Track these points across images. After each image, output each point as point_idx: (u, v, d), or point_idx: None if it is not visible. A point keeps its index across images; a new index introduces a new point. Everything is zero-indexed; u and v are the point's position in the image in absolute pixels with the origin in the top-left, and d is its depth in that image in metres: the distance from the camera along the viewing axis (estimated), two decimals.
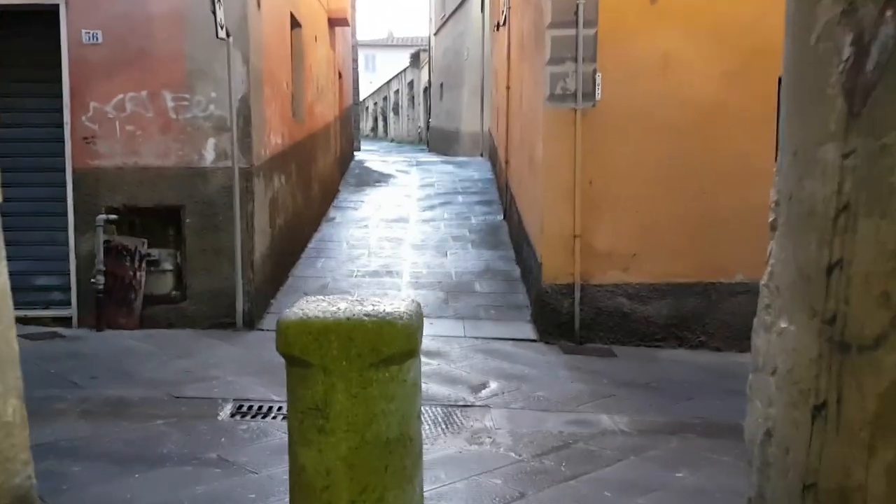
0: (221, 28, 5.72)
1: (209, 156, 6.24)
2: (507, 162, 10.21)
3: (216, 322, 6.30)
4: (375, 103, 41.78)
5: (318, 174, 10.31)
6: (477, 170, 14.63)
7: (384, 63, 47.92)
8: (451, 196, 12.14)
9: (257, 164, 6.43)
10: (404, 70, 33.53)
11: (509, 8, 10.04)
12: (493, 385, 5.08)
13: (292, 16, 8.18)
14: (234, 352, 5.72)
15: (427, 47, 27.93)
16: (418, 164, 15.89)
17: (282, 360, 2.33)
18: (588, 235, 6.36)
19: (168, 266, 6.35)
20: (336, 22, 11.74)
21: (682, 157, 6.33)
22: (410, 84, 32.27)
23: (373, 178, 13.82)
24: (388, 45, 51.12)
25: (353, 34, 17.93)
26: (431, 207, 11.35)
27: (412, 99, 32.00)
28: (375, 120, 41.85)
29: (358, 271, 8.10)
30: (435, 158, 17.90)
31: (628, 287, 6.41)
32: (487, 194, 12.18)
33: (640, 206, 6.36)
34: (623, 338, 6.43)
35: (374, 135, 41.36)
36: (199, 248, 6.28)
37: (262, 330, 6.32)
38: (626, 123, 6.29)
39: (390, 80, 37.12)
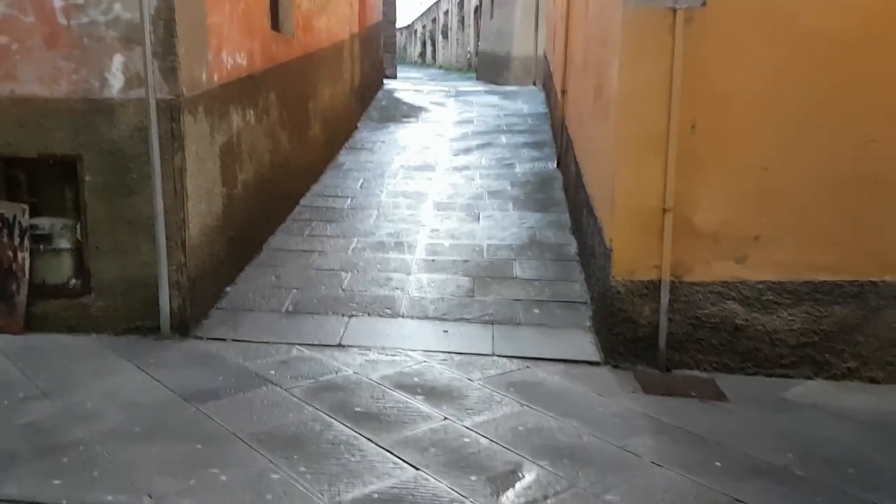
0: None
1: (116, 82, 4.17)
2: (563, 92, 7.90)
3: (133, 325, 4.37)
4: (424, 26, 39.02)
5: (322, 108, 8.17)
6: (527, 101, 12.27)
7: None
8: (492, 136, 9.89)
9: (192, 93, 4.35)
10: None
11: None
12: (529, 475, 3.01)
13: None
14: (141, 385, 3.76)
15: None
16: (458, 94, 13.57)
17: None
18: (685, 208, 4.14)
19: (64, 243, 4.40)
20: None
21: (840, 88, 4.00)
22: (461, 4, 29.50)
23: (400, 113, 11.60)
24: None
25: None
26: (467, 151, 9.14)
27: (462, 20, 29.31)
28: (424, 45, 39.19)
29: (359, 242, 6.04)
30: (479, 87, 15.52)
31: (744, 287, 4.21)
32: (538, 133, 9.88)
33: (768, 164, 4.09)
34: (732, 362, 4.27)
35: (422, 61, 38.78)
36: (105, 217, 4.30)
37: (202, 338, 4.36)
38: (752, 33, 3.97)
39: (439, 0, 34.28)
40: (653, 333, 4.25)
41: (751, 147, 4.08)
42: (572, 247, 5.85)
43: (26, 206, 4.30)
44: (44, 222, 4.36)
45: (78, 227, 4.35)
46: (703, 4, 3.93)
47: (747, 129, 4.07)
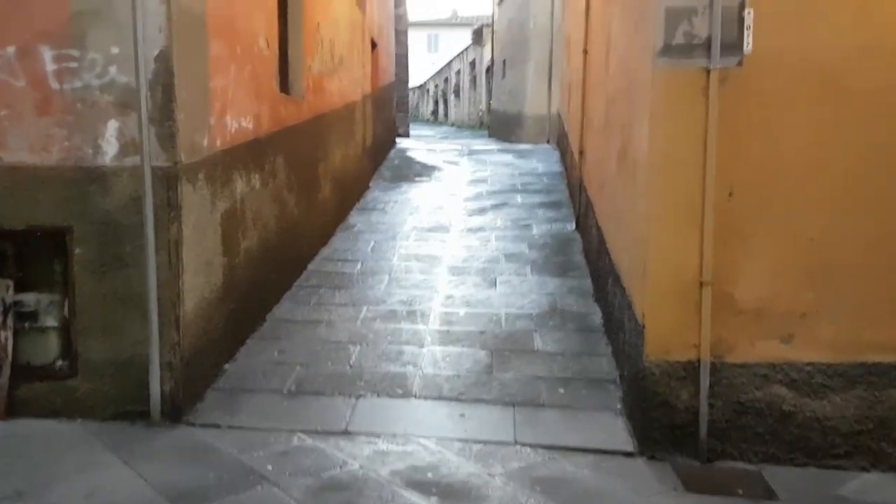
0: None
1: (110, 149, 3.91)
2: (581, 152, 7.63)
3: (122, 410, 4.01)
4: (436, 85, 39.50)
5: (332, 169, 7.94)
6: (542, 160, 12.05)
7: (448, 43, 45.55)
8: (507, 195, 9.62)
9: (191, 160, 4.08)
10: (466, 49, 31.14)
11: None
12: None
13: None
14: (124, 483, 3.38)
15: (490, 22, 25.37)
16: (471, 153, 13.40)
17: None
18: (725, 281, 3.78)
19: (51, 321, 4.08)
20: None
21: (891, 150, 3.68)
22: (472, 64, 29.85)
23: (413, 172, 11.39)
24: (452, 23, 48.71)
25: (401, 1, 15.55)
26: (481, 211, 8.85)
27: (474, 80, 29.58)
28: (436, 103, 39.60)
29: (369, 310, 5.69)
30: (492, 146, 15.36)
31: (791, 369, 3.81)
32: (554, 193, 9.61)
33: (815, 233, 3.74)
34: (780, 452, 3.84)
35: (434, 118, 39.12)
36: (96, 293, 3.98)
37: (195, 425, 3.99)
38: (795, 92, 3.66)
39: (451, 61, 34.80)
40: (692, 420, 3.84)
41: (795, 215, 3.74)
42: (596, 316, 5.48)
43: (11, 282, 4.00)
44: (30, 298, 4.05)
45: (66, 303, 4.04)
46: (740, 64, 3.65)
47: (791, 197, 3.73)
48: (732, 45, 3.65)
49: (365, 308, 5.73)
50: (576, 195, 8.20)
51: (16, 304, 4.01)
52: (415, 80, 35.74)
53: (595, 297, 5.82)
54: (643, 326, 3.89)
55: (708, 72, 3.65)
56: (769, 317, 3.80)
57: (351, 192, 9.05)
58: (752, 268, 3.79)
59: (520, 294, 6.01)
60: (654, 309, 3.85)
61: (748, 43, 3.64)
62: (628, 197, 4.39)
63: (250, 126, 5.09)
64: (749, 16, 3.62)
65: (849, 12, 3.58)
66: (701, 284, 3.77)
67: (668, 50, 3.69)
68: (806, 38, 3.61)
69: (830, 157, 3.68)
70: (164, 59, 3.84)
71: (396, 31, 15.45)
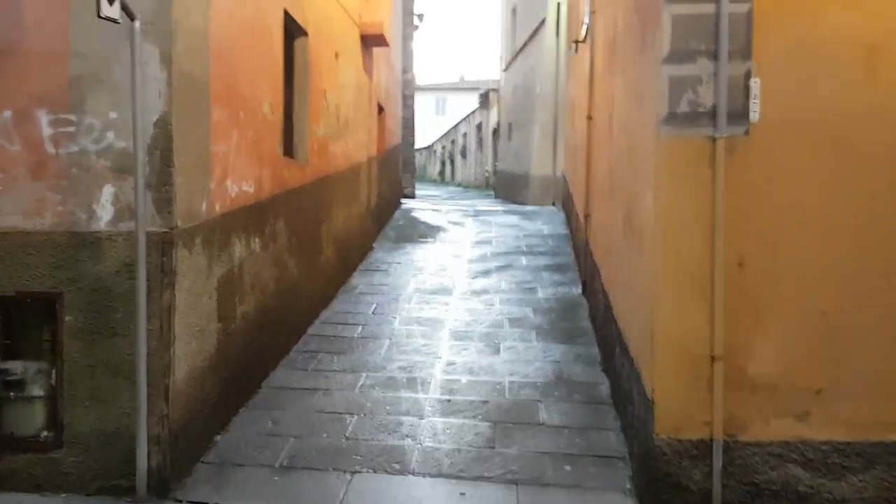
0: (110, 0, 3.35)
1: (104, 214, 3.84)
2: (586, 216, 7.55)
3: (107, 485, 3.84)
4: (444, 147, 39.97)
5: (335, 231, 7.87)
6: (547, 222, 12.00)
7: (455, 106, 46.28)
8: (512, 257, 9.52)
9: (188, 225, 4.00)
10: (473, 112, 31.59)
11: (592, 12, 7.50)
12: None
13: (289, 16, 5.85)
14: None
15: (497, 87, 25.82)
16: (476, 213, 13.36)
17: None
18: (737, 355, 3.63)
19: (37, 390, 3.94)
20: (372, 40, 9.45)
21: None
22: (479, 126, 30.24)
23: (418, 233, 11.33)
24: (459, 87, 49.57)
25: (409, 66, 15.80)
26: (485, 273, 8.74)
27: (480, 142, 29.93)
28: (443, 164, 40.00)
29: (368, 377, 5.53)
30: (498, 207, 15.36)
31: (807, 448, 3.63)
32: (560, 255, 9.51)
33: (828, 306, 3.60)
34: None
35: (441, 178, 39.44)
36: (84, 362, 3.86)
37: (181, 502, 3.80)
38: (802, 163, 3.58)
39: (458, 123, 35.29)
40: (705, 500, 3.64)
41: (807, 287, 3.61)
42: (604, 386, 5.30)
43: None
44: (17, 366, 3.92)
45: (53, 372, 3.91)
46: (747, 133, 3.58)
47: (801, 268, 3.61)
48: (739, 114, 3.59)
49: (364, 375, 5.57)
50: (582, 258, 8.09)
51: (2, 372, 3.88)
52: (422, 141, 36.23)
53: (602, 365, 5.65)
54: (652, 401, 3.72)
55: (714, 140, 3.58)
56: (783, 393, 3.64)
57: (354, 253, 8.98)
58: (765, 342, 3.65)
59: (524, 361, 5.84)
60: (663, 383, 3.70)
61: (755, 111, 3.58)
62: (635, 265, 4.27)
63: (251, 190, 5.04)
64: (755, 85, 3.57)
65: (852, 78, 3.52)
66: (712, 359, 3.63)
67: (672, 118, 3.63)
68: (813, 104, 3.55)
69: (840, 227, 3.58)
70: (163, 125, 3.80)
71: (404, 94, 15.65)
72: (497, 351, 6.10)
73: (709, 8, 3.58)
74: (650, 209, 3.82)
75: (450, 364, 5.81)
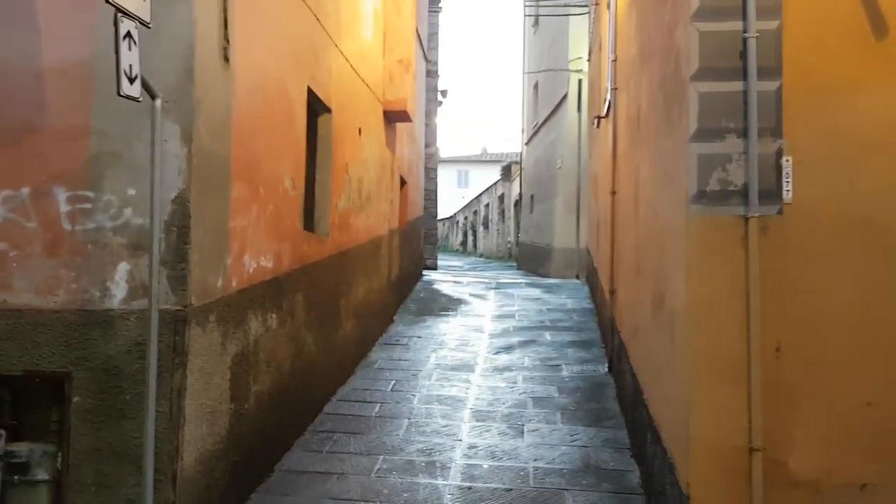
0: (130, 79, 3.36)
1: (118, 292, 3.76)
2: (612, 291, 7.38)
3: None
4: (466, 217, 40.24)
5: (355, 304, 7.76)
6: (571, 296, 11.81)
7: (477, 178, 46.81)
8: (535, 332, 9.32)
9: (202, 302, 3.91)
10: (495, 183, 31.90)
11: (615, 89, 7.52)
12: None
13: (312, 93, 5.90)
14: None
15: (519, 160, 26.08)
16: (498, 286, 13.23)
17: None
18: (777, 448, 3.40)
19: (42, 474, 3.78)
20: (395, 116, 9.55)
21: None
22: (501, 198, 30.47)
23: (439, 306, 11.19)
24: (482, 160, 50.24)
25: (432, 140, 15.98)
26: (508, 349, 8.54)
27: (502, 213, 30.07)
28: (465, 234, 40.18)
29: (385, 461, 5.30)
30: (520, 279, 15.21)
31: None
32: (585, 331, 9.29)
33: (872, 396, 3.38)
34: None
35: (463, 249, 39.55)
36: (90, 445, 3.71)
37: None
38: (841, 242, 3.42)
39: (480, 195, 35.61)
40: None
41: (849, 375, 3.40)
42: (634, 475, 5.02)
43: (3, 432, 3.74)
44: (22, 449, 3.78)
45: (59, 455, 3.76)
46: (780, 213, 3.44)
47: (844, 354, 3.40)
48: (771, 193, 3.46)
49: (381, 458, 5.35)
50: (608, 335, 7.87)
51: (7, 454, 3.74)
52: (444, 212, 36.48)
53: (632, 451, 5.38)
54: (688, 497, 3.48)
55: (746, 220, 3.44)
56: (826, 489, 3.38)
57: (373, 327, 8.83)
58: (806, 433, 3.41)
59: (549, 445, 5.59)
60: (699, 477, 3.45)
61: (787, 190, 3.45)
62: (666, 349, 4.08)
63: (270, 265, 4.96)
64: (787, 164, 3.45)
65: (889, 156, 3.39)
66: (750, 451, 3.39)
67: (702, 196, 3.51)
68: (847, 185, 3.41)
69: (881, 312, 3.38)
70: (181, 202, 3.75)
71: (427, 167, 15.78)
72: (521, 433, 5.85)
73: (736, 86, 3.50)
74: (681, 290, 3.66)
75: (471, 447, 5.57)
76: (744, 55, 3.48)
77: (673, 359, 3.88)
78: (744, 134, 3.48)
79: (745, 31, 3.44)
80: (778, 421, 3.41)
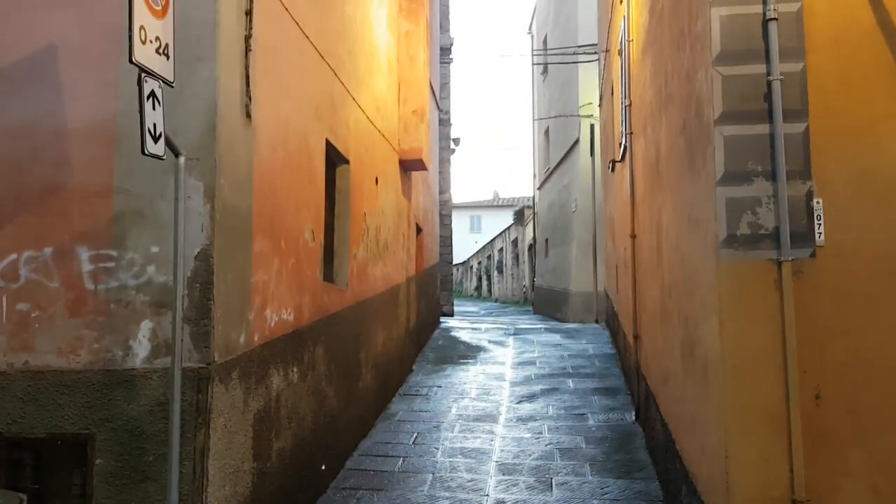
0: (154, 138, 3.37)
1: (141, 350, 3.72)
2: (636, 337, 7.26)
3: None
4: (480, 262, 40.21)
5: (375, 355, 7.68)
6: (592, 341, 11.67)
7: (490, 223, 46.95)
8: (558, 380, 9.17)
9: (225, 358, 3.86)
10: (508, 228, 31.93)
11: (630, 133, 7.52)
12: None
13: (330, 145, 5.93)
14: None
15: (531, 204, 26.16)
16: (517, 332, 13.10)
17: None
18: (821, 499, 3.27)
19: None
20: (411, 165, 9.61)
21: None
22: (514, 242, 30.47)
23: (457, 353, 11.07)
24: (494, 205, 50.44)
25: (446, 187, 16.06)
26: (531, 397, 8.39)
27: (516, 257, 30.04)
28: (479, 279, 40.10)
29: None
30: (539, 325, 15.06)
31: None
32: (608, 378, 9.13)
33: None
34: None
35: (477, 294, 39.42)
36: None
37: None
38: (877, 285, 3.34)
39: (494, 239, 35.62)
40: None
41: (892, 423, 3.27)
42: None
43: (24, 496, 3.66)
44: None
45: None
46: (813, 255, 3.37)
47: (885, 400, 3.29)
48: (803, 236, 3.39)
49: None
50: (633, 382, 7.72)
51: None
52: (458, 257, 36.49)
53: None
54: None
55: (779, 264, 3.37)
56: None
57: (393, 377, 8.72)
58: (850, 483, 3.29)
59: (580, 500, 5.42)
60: None
61: (820, 233, 3.39)
62: (699, 397, 3.97)
63: (291, 318, 4.92)
64: (818, 206, 3.39)
65: None
66: (793, 503, 3.26)
67: (732, 241, 3.45)
68: (880, 226, 3.34)
69: None
70: (204, 258, 3.73)
71: (441, 214, 15.82)
72: (549, 487, 5.69)
73: (762, 129, 3.47)
74: (714, 336, 3.56)
75: (498, 503, 5.41)
76: (768, 98, 3.46)
77: (708, 408, 3.76)
78: (772, 177, 3.44)
79: (768, 73, 3.42)
80: (821, 471, 3.28)
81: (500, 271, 33.70)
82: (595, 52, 14.79)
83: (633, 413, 7.34)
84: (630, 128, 7.52)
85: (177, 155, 3.60)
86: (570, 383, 8.95)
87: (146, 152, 3.30)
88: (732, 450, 3.37)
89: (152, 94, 3.32)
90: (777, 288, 3.37)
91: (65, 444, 3.71)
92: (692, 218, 4.11)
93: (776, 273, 3.38)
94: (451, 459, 6.40)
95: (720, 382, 3.47)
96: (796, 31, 3.44)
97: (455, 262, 33.43)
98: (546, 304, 20.11)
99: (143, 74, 3.24)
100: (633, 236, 7.27)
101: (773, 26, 3.43)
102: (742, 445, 3.35)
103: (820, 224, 3.40)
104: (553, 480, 5.81)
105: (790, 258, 3.36)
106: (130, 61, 3.16)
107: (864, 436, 3.30)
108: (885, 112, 3.38)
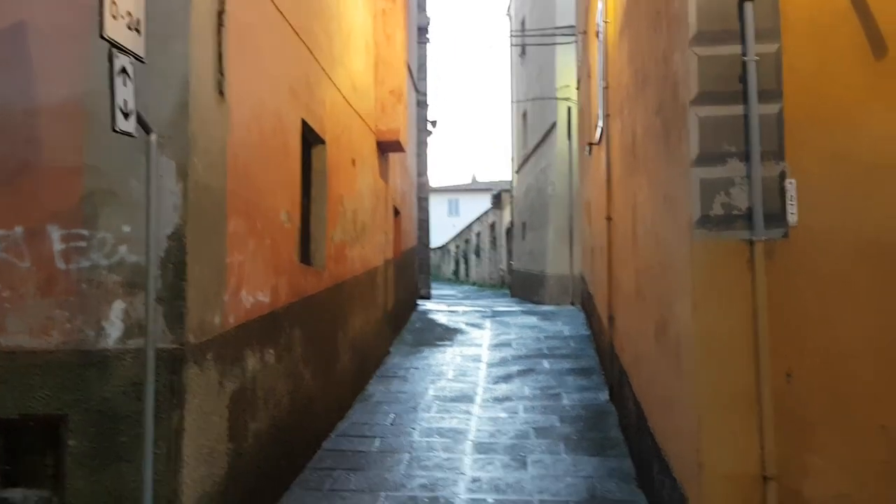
0: (125, 115, 3.31)
1: (114, 331, 3.68)
2: (610, 318, 7.33)
3: None
4: (457, 246, 40.26)
5: (352, 337, 7.67)
6: (567, 323, 11.76)
7: (468, 207, 46.97)
8: (533, 361, 9.23)
9: (200, 340, 3.83)
10: (486, 212, 31.97)
11: (607, 116, 7.54)
12: None
13: (306, 125, 5.88)
14: None
15: (508, 188, 26.19)
16: (494, 314, 13.15)
17: None
18: (791, 476, 3.33)
19: None
20: (388, 146, 9.55)
21: None
22: (492, 226, 30.51)
23: (435, 336, 11.10)
24: (472, 189, 50.42)
25: (423, 169, 16.01)
26: (507, 378, 8.44)
27: (494, 241, 30.09)
28: (457, 263, 40.18)
29: (387, 498, 5.18)
30: (515, 307, 15.14)
31: None
32: (583, 358, 9.21)
33: (889, 418, 3.33)
34: None
35: (455, 278, 39.51)
36: (87, 489, 3.60)
37: None
38: (849, 265, 3.39)
39: (472, 223, 35.67)
40: None
41: (863, 399, 3.35)
42: None
43: None
44: (17, 495, 3.66)
45: (55, 500, 3.64)
46: (786, 236, 3.41)
47: (856, 377, 3.36)
48: (776, 217, 3.43)
49: (382, 495, 5.22)
50: (607, 362, 7.80)
51: (1, 501, 3.63)
52: (436, 241, 36.48)
53: (638, 482, 5.28)
54: None
55: (752, 244, 3.41)
56: None
57: (370, 359, 8.73)
58: (821, 460, 3.35)
59: (554, 477, 5.48)
60: None
61: (793, 214, 3.43)
62: (672, 377, 4.02)
63: (267, 300, 4.89)
64: (791, 186, 3.43)
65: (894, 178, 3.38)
66: (764, 479, 3.33)
67: (705, 221, 3.48)
68: (853, 207, 3.39)
69: (892, 335, 3.34)
70: (177, 238, 3.69)
71: (419, 197, 15.79)
72: (524, 465, 5.75)
73: (737, 110, 3.49)
74: (687, 316, 3.61)
75: (474, 481, 5.46)
76: (744, 79, 3.48)
77: (680, 386, 3.81)
78: (746, 158, 3.47)
79: (744, 54, 3.44)
80: (791, 448, 3.35)
81: (478, 255, 33.79)
82: (573, 34, 14.77)
83: (607, 392, 7.42)
84: (607, 110, 7.54)
85: (148, 132, 3.54)
86: (546, 364, 9.02)
87: (116, 129, 3.24)
88: (704, 427, 3.42)
89: (123, 70, 3.25)
90: (750, 267, 3.41)
91: (37, 425, 3.67)
92: (667, 199, 4.14)
93: (749, 253, 3.42)
94: (427, 439, 6.43)
95: (692, 361, 3.51)
96: (772, 12, 3.46)
97: (433, 245, 33.47)
98: (523, 287, 20.21)
99: (113, 50, 3.17)
100: (609, 218, 7.32)
101: (748, 7, 3.44)
102: (713, 423, 3.40)
103: (793, 205, 3.44)
104: (528, 459, 5.87)
105: (763, 238, 3.40)
106: (101, 36, 3.10)
107: (833, 413, 3.36)
108: (859, 94, 3.42)
